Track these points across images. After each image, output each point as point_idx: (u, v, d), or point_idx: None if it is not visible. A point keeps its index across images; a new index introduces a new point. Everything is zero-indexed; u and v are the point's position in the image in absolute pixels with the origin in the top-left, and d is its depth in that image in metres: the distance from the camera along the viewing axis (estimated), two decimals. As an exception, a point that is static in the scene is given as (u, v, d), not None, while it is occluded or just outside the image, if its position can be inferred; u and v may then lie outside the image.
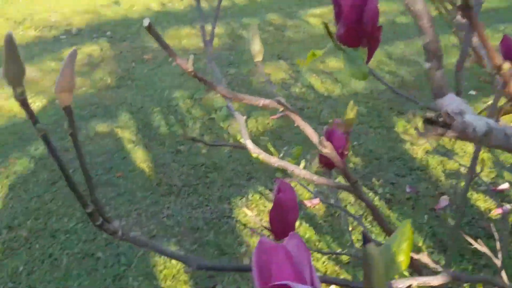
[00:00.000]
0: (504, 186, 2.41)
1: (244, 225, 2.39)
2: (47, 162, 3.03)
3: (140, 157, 3.03)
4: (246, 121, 0.58)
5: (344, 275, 2.05)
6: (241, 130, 0.62)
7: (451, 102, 0.38)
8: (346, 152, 0.56)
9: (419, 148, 2.86)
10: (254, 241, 2.28)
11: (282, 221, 0.88)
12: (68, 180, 0.33)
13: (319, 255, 2.16)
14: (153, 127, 3.37)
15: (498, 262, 1.15)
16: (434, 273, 0.50)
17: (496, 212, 2.27)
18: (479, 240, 1.16)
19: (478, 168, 1.03)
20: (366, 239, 0.38)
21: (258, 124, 3.26)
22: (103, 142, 3.21)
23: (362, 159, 2.82)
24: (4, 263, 2.27)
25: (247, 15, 5.35)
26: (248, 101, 0.49)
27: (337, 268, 2.10)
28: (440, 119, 0.38)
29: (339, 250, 2.20)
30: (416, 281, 0.42)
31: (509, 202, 2.36)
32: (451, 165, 2.67)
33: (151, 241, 0.41)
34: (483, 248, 1.05)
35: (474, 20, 0.36)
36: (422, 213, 2.36)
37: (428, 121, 0.39)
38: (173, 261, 2.21)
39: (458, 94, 0.38)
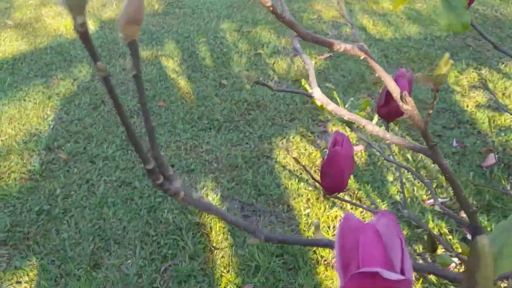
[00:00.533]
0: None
1: (283, 166, 2.35)
2: (90, 85, 3.01)
3: (183, 88, 2.98)
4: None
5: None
6: (309, 76, 0.55)
7: None
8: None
9: (470, 100, 2.76)
10: (292, 183, 2.23)
11: (335, 175, 0.82)
12: (129, 132, 0.28)
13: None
14: (198, 58, 3.31)
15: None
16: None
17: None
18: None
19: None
20: (477, 230, 0.33)
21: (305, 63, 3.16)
22: (147, 69, 3.17)
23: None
24: (42, 184, 2.27)
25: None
26: (328, 45, 0.43)
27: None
28: None
29: (378, 200, 2.14)
30: None
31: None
32: (503, 120, 2.57)
33: (215, 206, 0.36)
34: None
35: None
36: (467, 170, 2.27)
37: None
38: (209, 197, 2.19)
39: None
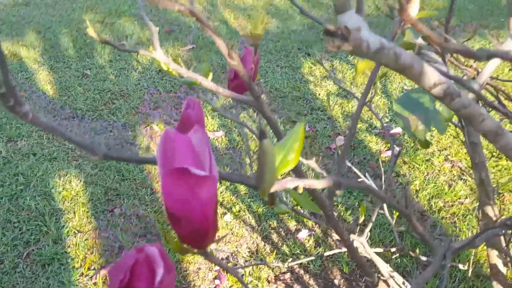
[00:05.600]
0: (397, 130, 2.54)
1: (148, 153, 2.41)
2: None
3: (44, 79, 2.96)
4: (158, 32, 0.61)
5: (239, 205, 2.12)
6: (153, 40, 0.64)
7: (350, 18, 0.42)
8: (253, 67, 0.60)
9: (322, 89, 2.95)
10: (155, 168, 2.30)
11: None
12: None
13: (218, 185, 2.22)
14: (61, 48, 3.29)
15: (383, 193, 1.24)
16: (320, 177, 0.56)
17: (385, 154, 2.40)
18: (367, 175, 1.25)
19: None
20: (263, 135, 0.43)
21: (169, 54, 3.24)
22: (7, 60, 3.11)
23: (267, 96, 2.88)
24: None
25: None
26: (163, 5, 0.52)
27: (233, 198, 2.16)
28: (339, 32, 0.42)
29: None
30: (303, 182, 0.47)
31: (399, 146, 2.49)
32: (350, 107, 2.78)
33: (60, 127, 0.43)
34: (369, 182, 1.13)
35: None
36: (318, 151, 2.45)
37: (328, 33, 0.43)
38: (73, 183, 2.21)
39: (358, 11, 0.43)
